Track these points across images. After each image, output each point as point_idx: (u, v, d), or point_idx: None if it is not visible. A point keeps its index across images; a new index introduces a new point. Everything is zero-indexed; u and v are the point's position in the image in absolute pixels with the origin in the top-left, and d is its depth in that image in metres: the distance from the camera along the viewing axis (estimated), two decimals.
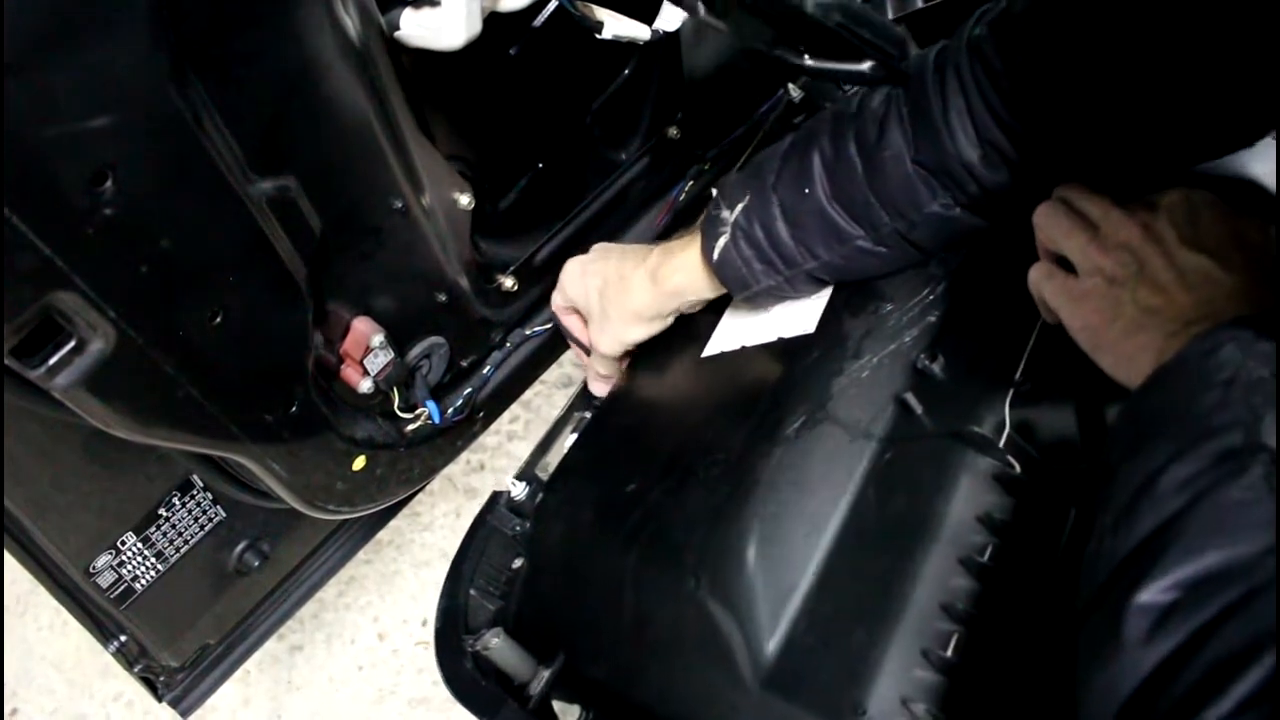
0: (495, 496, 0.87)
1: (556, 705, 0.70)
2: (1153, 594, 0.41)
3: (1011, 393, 0.63)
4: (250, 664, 1.07)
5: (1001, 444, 0.61)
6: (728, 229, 0.74)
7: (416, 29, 0.68)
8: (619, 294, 0.84)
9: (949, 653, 0.56)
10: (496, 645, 0.69)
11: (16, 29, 0.44)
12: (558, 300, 0.91)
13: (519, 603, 0.79)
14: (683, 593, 0.63)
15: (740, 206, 0.74)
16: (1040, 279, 0.62)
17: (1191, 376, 0.48)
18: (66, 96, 0.48)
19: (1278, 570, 0.38)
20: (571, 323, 0.92)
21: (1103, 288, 0.57)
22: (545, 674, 0.69)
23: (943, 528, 0.59)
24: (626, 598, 0.68)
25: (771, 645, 0.59)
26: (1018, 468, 0.60)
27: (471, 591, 0.80)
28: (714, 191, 0.78)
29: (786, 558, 0.61)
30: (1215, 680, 0.37)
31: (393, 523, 1.11)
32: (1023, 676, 0.55)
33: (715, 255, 0.75)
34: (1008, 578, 0.57)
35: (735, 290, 0.78)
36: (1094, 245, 0.59)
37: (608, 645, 0.69)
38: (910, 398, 0.64)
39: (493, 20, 0.71)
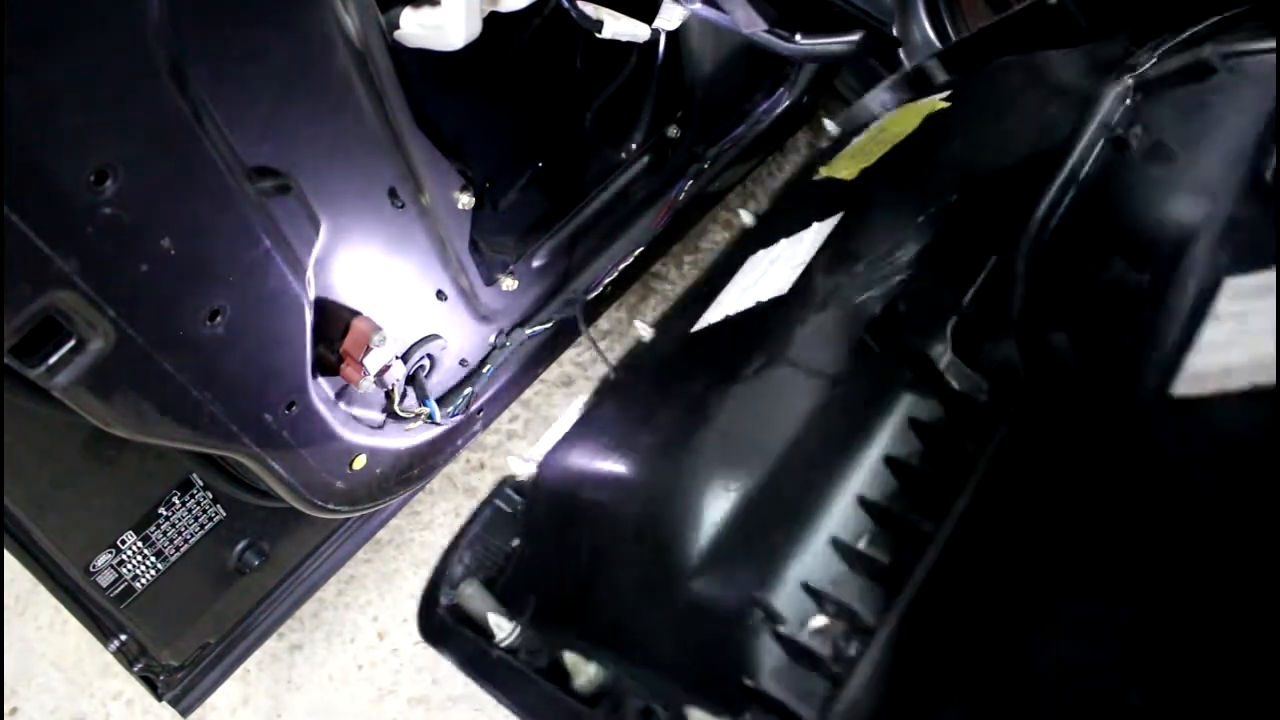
0: (503, 481, 0.88)
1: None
2: None
3: (955, 319, 0.64)
4: (250, 663, 1.07)
5: (942, 366, 0.63)
6: None
7: (416, 28, 0.68)
8: None
9: (861, 546, 0.58)
10: (470, 594, 0.72)
11: (17, 29, 0.44)
12: None
13: (511, 573, 0.80)
14: (627, 517, 0.67)
15: None
16: None
17: None
18: (67, 96, 0.48)
19: None
20: None
21: None
22: (518, 621, 0.70)
23: (875, 436, 0.62)
24: (583, 536, 0.71)
25: (695, 555, 0.61)
26: (956, 384, 0.62)
27: (466, 560, 0.82)
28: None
29: (724, 477, 0.64)
30: None
31: (392, 522, 1.11)
32: (936, 574, 0.56)
33: None
34: (931, 481, 0.59)
35: None
36: None
37: (567, 581, 0.72)
38: (867, 337, 0.67)
39: (493, 20, 0.71)
